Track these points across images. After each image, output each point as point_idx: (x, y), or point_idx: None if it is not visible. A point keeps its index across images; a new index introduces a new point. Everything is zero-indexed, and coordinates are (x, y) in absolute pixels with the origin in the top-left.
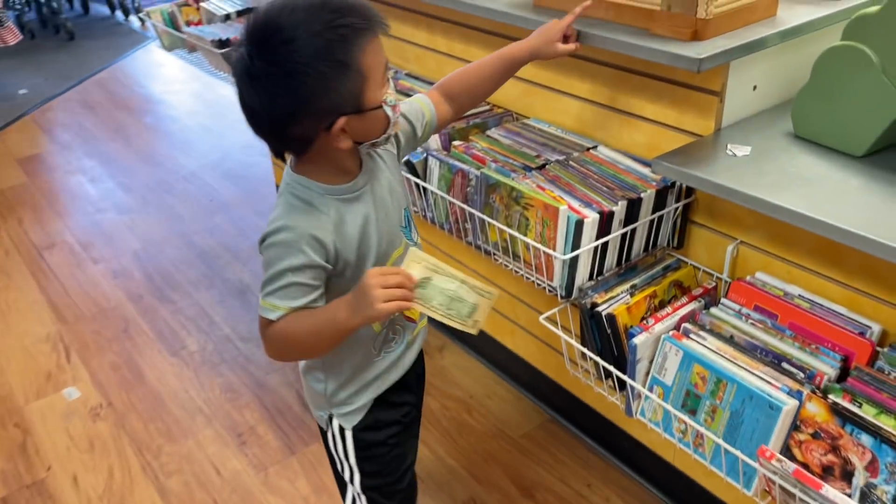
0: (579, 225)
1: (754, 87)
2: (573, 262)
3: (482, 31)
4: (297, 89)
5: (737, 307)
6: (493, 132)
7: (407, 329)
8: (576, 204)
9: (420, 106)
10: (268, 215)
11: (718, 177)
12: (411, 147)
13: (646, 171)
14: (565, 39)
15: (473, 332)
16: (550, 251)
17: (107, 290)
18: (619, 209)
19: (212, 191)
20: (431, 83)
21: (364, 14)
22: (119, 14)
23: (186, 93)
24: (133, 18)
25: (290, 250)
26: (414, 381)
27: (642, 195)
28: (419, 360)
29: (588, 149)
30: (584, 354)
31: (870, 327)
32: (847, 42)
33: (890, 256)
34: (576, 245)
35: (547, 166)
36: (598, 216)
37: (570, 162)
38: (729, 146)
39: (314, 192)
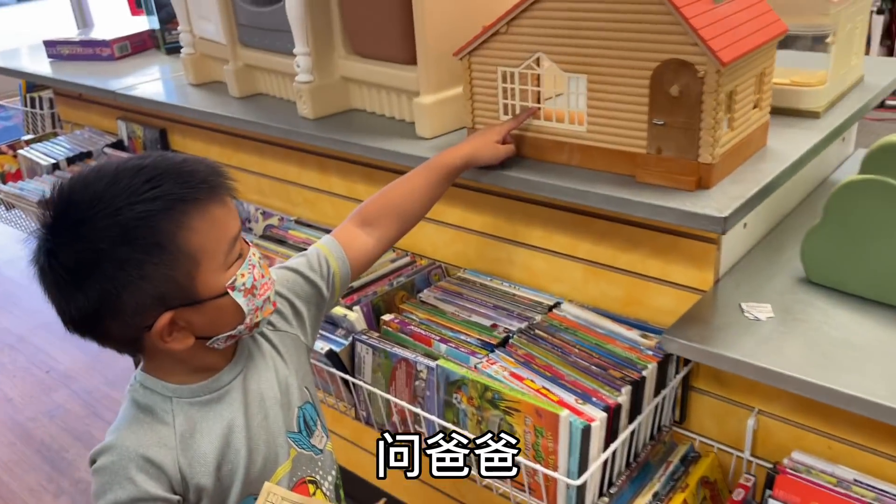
0: (587, 432)
1: (744, 225)
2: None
3: (389, 171)
4: (93, 285)
5: None
6: (427, 295)
7: None
8: (570, 399)
9: (322, 254)
10: (123, 383)
11: (759, 357)
12: (324, 311)
13: (632, 334)
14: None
15: None
16: (554, 474)
17: None
18: (625, 397)
19: (47, 359)
20: (329, 230)
21: (189, 178)
22: None
23: (4, 236)
24: None
25: (115, 479)
26: None
27: (644, 373)
28: None
29: (550, 308)
30: None
31: None
32: (873, 176)
33: None
34: (583, 456)
35: (510, 340)
36: (604, 414)
37: (537, 331)
38: (745, 307)
39: (157, 396)
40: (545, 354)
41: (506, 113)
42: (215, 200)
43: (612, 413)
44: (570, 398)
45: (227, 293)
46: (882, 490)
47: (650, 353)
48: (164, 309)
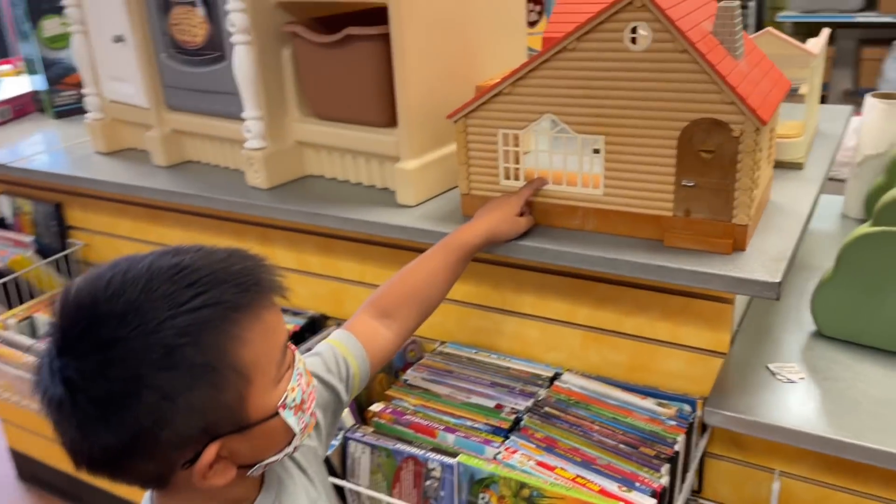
0: None
1: None
2: None
3: (353, 241)
4: (126, 419)
5: None
6: (414, 377)
7: None
8: (612, 487)
9: (339, 353)
10: None
11: (817, 426)
12: (339, 417)
13: (647, 403)
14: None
15: None
16: None
17: None
18: (666, 478)
19: None
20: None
21: (239, 279)
22: None
23: None
24: None
25: None
26: None
27: (676, 447)
28: None
29: (551, 380)
30: None
31: None
32: (888, 228)
33: None
34: None
35: (522, 422)
36: (653, 500)
37: (547, 408)
38: (774, 370)
39: None
40: (566, 436)
41: (507, 178)
42: (266, 304)
43: (660, 497)
44: (611, 486)
45: (277, 413)
46: None
47: (673, 423)
48: (209, 440)
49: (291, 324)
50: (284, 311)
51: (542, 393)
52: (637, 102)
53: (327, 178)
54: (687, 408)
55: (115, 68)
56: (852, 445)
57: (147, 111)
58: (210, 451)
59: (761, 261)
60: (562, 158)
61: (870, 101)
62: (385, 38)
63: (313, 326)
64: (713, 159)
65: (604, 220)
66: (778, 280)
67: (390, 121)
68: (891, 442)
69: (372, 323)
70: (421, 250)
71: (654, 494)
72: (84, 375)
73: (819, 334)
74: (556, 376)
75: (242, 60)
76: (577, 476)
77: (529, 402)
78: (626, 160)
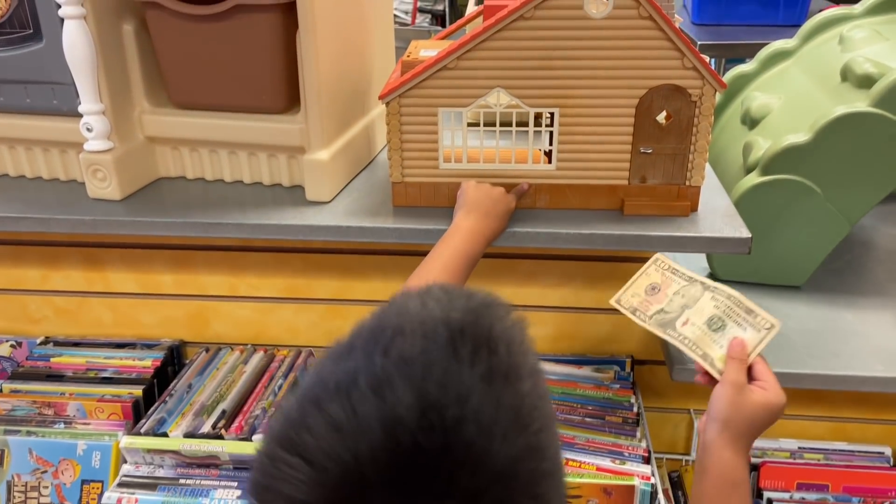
0: (654, 494)
1: None
2: None
3: (222, 251)
4: None
5: (787, 495)
6: None
7: None
8: (605, 462)
9: None
10: None
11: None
12: None
13: (585, 371)
14: None
15: None
16: None
17: None
18: (644, 439)
19: None
20: (105, 342)
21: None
22: None
23: None
24: None
25: None
26: None
27: (634, 408)
28: None
29: None
30: None
31: (883, 452)
32: (783, 175)
33: None
34: None
35: None
36: (648, 466)
37: None
38: None
39: None
40: None
41: (446, 161)
42: None
43: (648, 461)
44: (603, 462)
45: None
46: (823, 449)
47: (617, 386)
48: None
49: (147, 359)
50: (131, 346)
51: None
52: (595, 72)
53: (189, 178)
54: (618, 369)
55: None
56: (818, 376)
57: None
58: None
59: (720, 218)
60: (511, 136)
61: None
62: (282, 9)
63: (175, 357)
64: (670, 125)
65: (556, 196)
66: (748, 235)
67: (286, 105)
68: (837, 365)
69: None
70: (341, 252)
71: (645, 460)
72: None
73: (714, 278)
74: None
75: (77, 39)
76: (567, 460)
77: None
78: (581, 132)
